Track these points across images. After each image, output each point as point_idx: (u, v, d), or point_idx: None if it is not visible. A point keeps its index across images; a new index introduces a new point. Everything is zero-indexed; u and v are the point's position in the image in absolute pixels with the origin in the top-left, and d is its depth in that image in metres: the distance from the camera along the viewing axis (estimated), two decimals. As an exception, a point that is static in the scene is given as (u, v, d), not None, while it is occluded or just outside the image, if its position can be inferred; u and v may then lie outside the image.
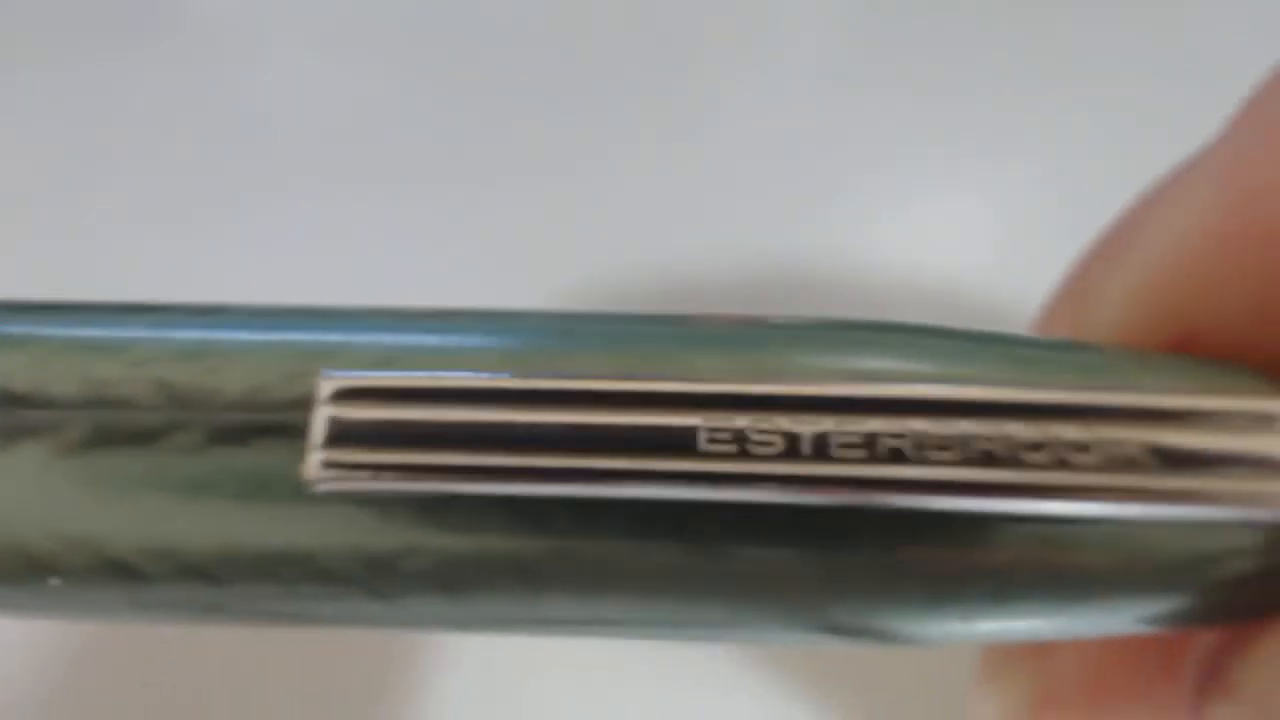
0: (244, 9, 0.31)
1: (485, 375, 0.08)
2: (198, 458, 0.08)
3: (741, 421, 0.07)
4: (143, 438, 0.08)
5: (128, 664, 0.20)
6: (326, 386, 0.08)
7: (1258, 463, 0.08)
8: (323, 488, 0.08)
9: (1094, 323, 0.10)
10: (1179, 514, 0.08)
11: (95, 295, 0.25)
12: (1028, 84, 0.28)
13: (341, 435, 0.08)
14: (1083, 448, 0.07)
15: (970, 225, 0.26)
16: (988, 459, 0.07)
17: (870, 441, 0.07)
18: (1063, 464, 0.07)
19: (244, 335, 0.09)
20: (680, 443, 0.07)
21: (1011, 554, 0.08)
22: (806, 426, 0.07)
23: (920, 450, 0.07)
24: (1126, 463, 0.07)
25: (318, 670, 0.20)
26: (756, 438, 0.07)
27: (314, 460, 0.08)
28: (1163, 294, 0.09)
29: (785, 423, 0.07)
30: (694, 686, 0.19)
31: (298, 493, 0.08)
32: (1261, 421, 0.08)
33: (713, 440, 0.07)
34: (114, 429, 0.08)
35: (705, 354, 0.08)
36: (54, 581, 0.08)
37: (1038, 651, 0.12)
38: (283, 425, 0.08)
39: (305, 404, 0.08)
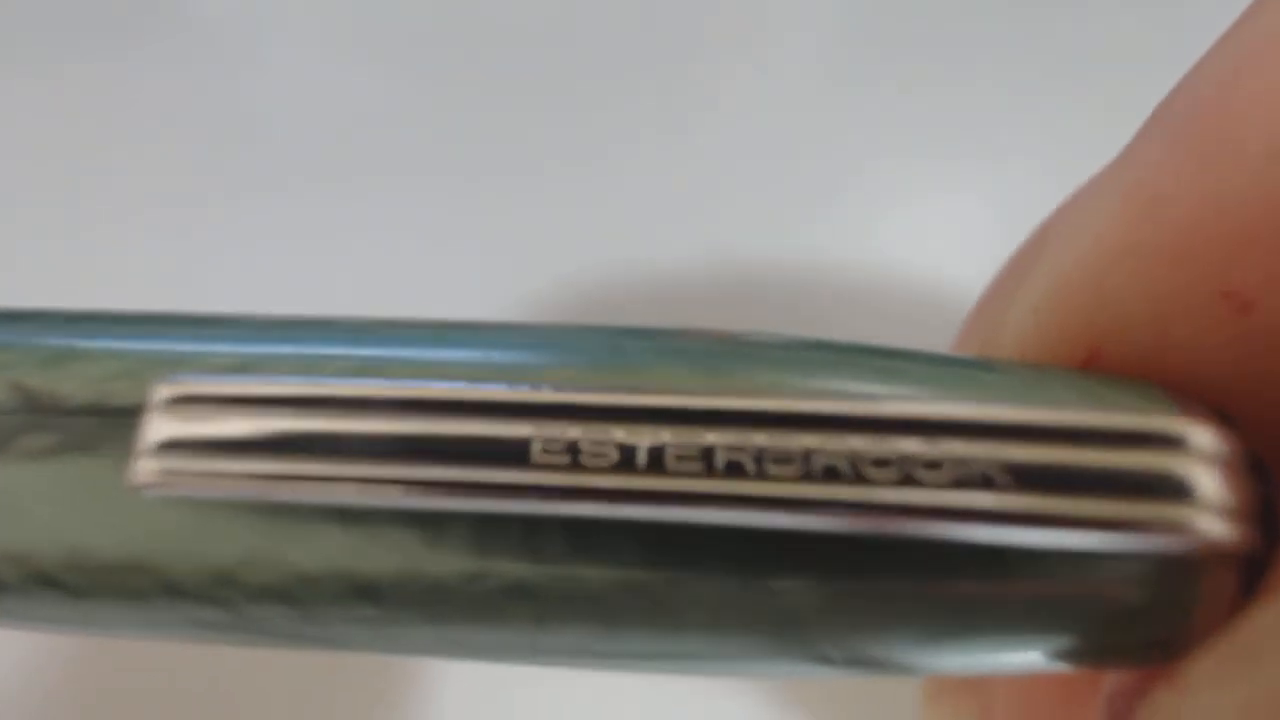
0: (244, 9, 0.31)
1: (315, 380, 0.08)
2: (47, 462, 0.08)
3: (575, 432, 0.07)
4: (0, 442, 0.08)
5: (126, 663, 0.20)
6: (160, 392, 0.08)
7: (1133, 485, 0.07)
8: (149, 494, 0.08)
9: (1001, 342, 0.10)
10: (1042, 539, 0.07)
11: (94, 295, 0.25)
12: (1028, 84, 0.28)
13: (170, 442, 0.07)
14: (933, 464, 0.07)
15: (970, 225, 0.26)
16: (830, 475, 0.07)
17: (708, 454, 0.07)
18: (909, 481, 0.07)
19: (105, 342, 0.08)
20: (512, 454, 0.07)
21: (879, 583, 0.07)
22: (643, 439, 0.07)
23: (760, 465, 0.07)
24: (981, 481, 0.07)
25: (317, 671, 0.20)
26: (590, 449, 0.07)
27: (142, 467, 0.07)
28: (1066, 310, 0.09)
29: (621, 434, 0.07)
30: (691, 689, 0.19)
31: (138, 500, 0.08)
32: (1140, 440, 0.07)
33: (546, 451, 0.07)
34: None
35: (559, 367, 0.08)
36: None
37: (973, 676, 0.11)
38: (126, 431, 0.08)
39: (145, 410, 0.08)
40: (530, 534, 0.08)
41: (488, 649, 0.08)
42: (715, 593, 0.08)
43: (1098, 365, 0.09)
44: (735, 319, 0.24)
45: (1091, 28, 0.30)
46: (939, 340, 0.23)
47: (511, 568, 0.08)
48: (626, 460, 0.07)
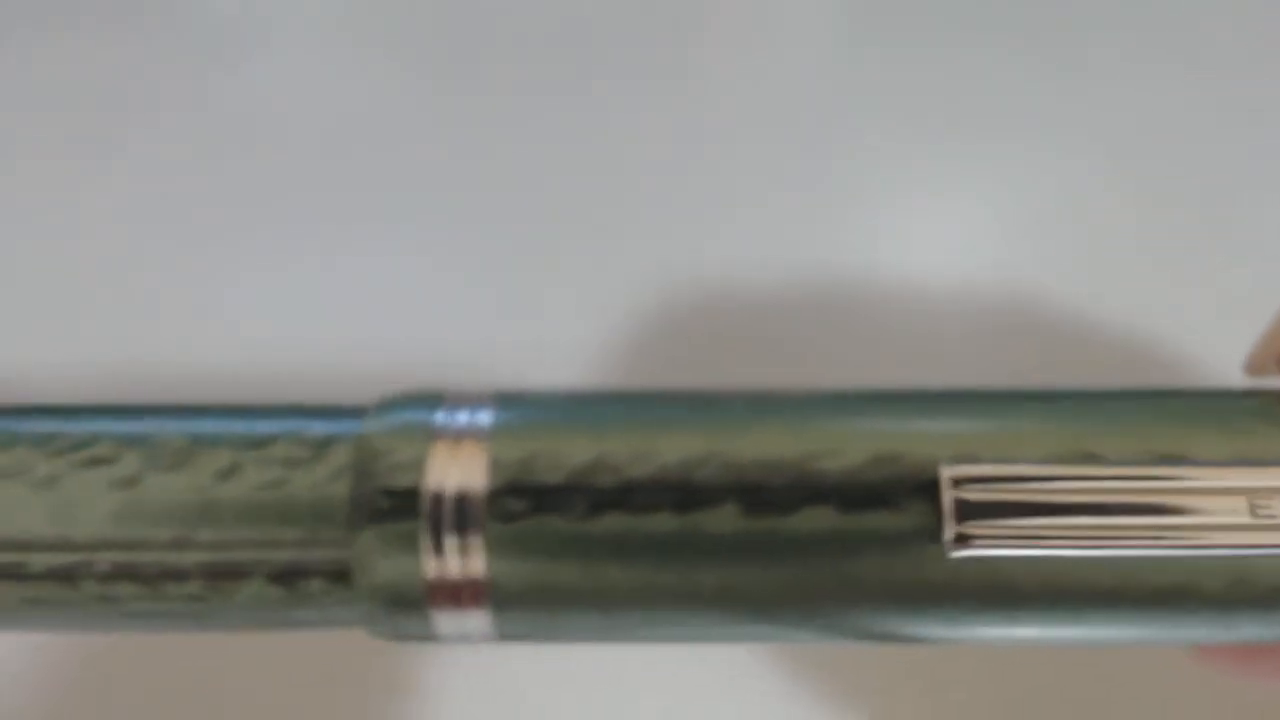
0: (249, 7, 0.31)
1: (1068, 467, 0.10)
2: (840, 522, 0.11)
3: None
4: (777, 512, 0.11)
5: (130, 667, 0.20)
6: (948, 473, 0.10)
7: None
8: (954, 554, 0.10)
9: None
10: None
11: (94, 290, 0.24)
12: (1029, 85, 0.28)
13: (964, 512, 0.10)
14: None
15: (971, 225, 0.26)
16: None
17: None
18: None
19: (856, 423, 0.11)
20: (1235, 511, 0.10)
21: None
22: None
23: None
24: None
25: (319, 675, 0.20)
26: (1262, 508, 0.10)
27: (949, 532, 0.10)
28: None
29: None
30: (697, 694, 0.19)
31: (934, 554, 0.10)
32: None
33: (1255, 511, 0.10)
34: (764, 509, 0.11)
35: (1208, 438, 0.11)
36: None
37: None
38: (892, 501, 0.11)
39: (920, 486, 0.10)
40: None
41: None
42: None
43: None
44: (752, 324, 0.24)
45: (1093, 28, 0.30)
46: (941, 338, 0.23)
47: None
48: None
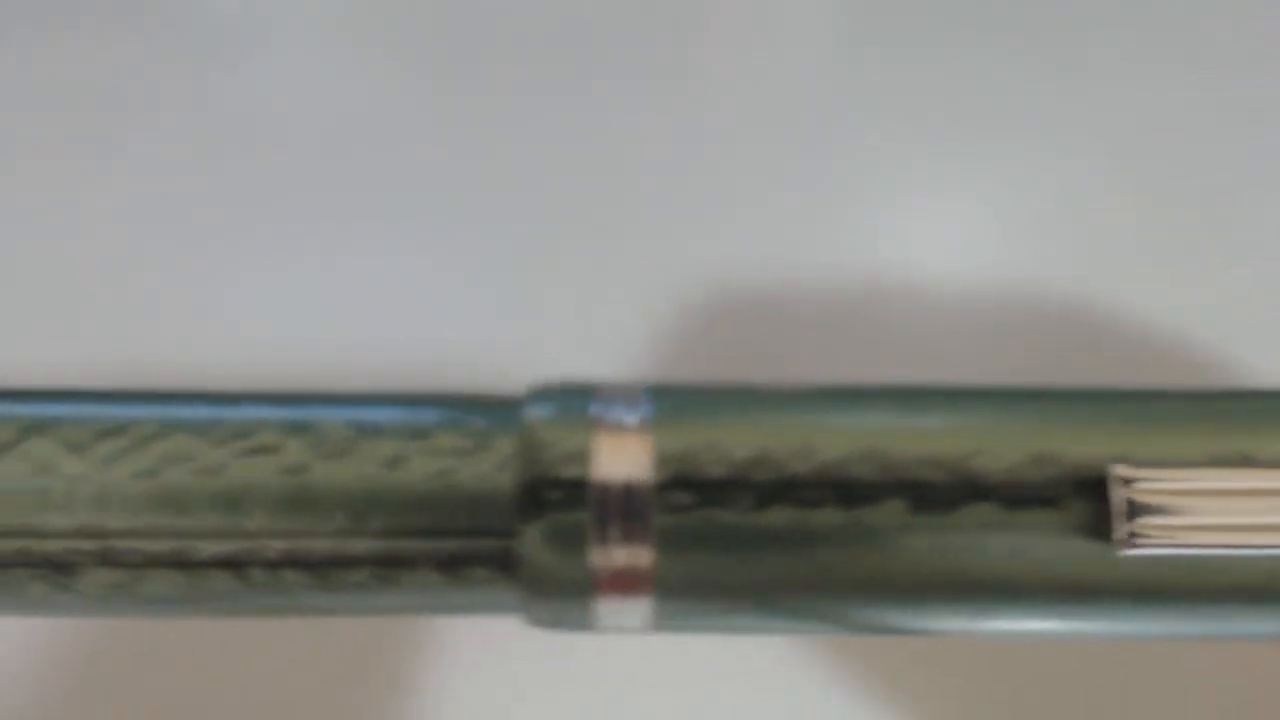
0: (249, 7, 0.31)
1: (1229, 469, 0.11)
2: (1003, 519, 0.11)
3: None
4: (941, 509, 0.11)
5: (131, 667, 0.20)
6: (1117, 472, 0.10)
7: None
8: (1123, 553, 0.10)
9: None
10: None
11: (93, 285, 0.24)
12: (1029, 85, 0.28)
13: (1135, 511, 0.10)
14: None
15: (971, 225, 0.26)
16: None
17: None
18: None
19: (1013, 422, 0.11)
20: None
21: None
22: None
23: None
24: None
25: (319, 675, 0.20)
26: None
27: (1121, 530, 0.10)
28: None
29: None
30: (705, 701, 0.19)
31: (1099, 552, 0.11)
32: None
33: None
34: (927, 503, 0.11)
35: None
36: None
37: None
38: (1054, 499, 0.11)
39: (1082, 484, 0.11)
40: None
41: None
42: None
43: None
44: (751, 323, 0.24)
45: (1092, 29, 0.30)
46: (941, 338, 0.23)
47: None
48: None
